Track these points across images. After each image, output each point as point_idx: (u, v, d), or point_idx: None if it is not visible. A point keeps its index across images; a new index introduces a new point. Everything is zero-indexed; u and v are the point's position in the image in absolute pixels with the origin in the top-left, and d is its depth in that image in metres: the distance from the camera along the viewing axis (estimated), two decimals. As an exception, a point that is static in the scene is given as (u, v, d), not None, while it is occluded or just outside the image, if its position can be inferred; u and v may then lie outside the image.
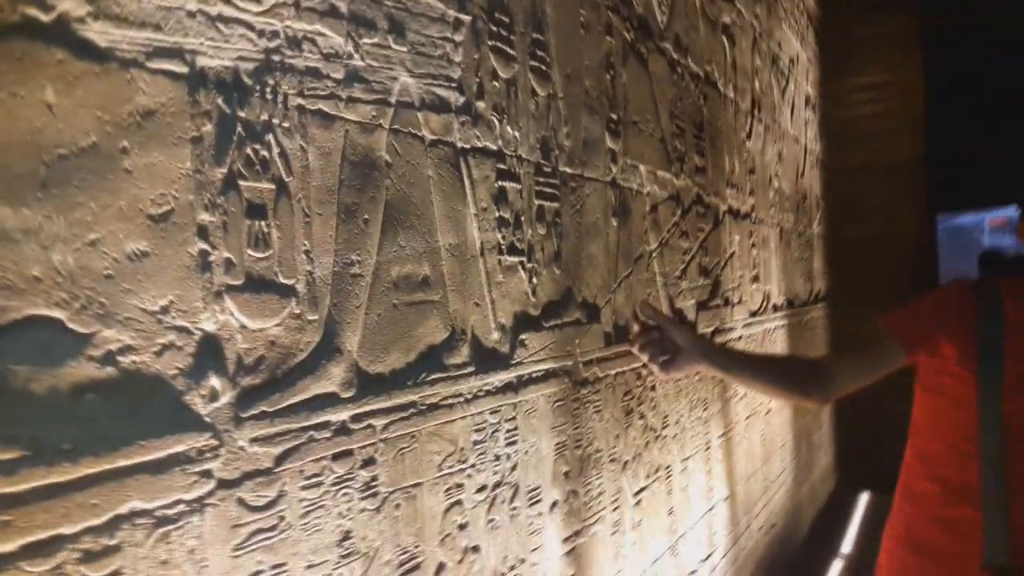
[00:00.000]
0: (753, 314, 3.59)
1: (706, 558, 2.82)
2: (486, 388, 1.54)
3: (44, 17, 0.81)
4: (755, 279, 3.64)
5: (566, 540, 1.83)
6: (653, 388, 2.42)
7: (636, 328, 1.72)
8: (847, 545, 4.52)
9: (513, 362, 1.64)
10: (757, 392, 1.77)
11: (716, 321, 3.04)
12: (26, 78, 0.79)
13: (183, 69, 0.96)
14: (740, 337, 3.37)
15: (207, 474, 0.96)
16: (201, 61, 0.98)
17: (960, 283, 1.78)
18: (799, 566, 4.15)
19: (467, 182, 1.51)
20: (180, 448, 0.93)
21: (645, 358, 1.69)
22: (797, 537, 4.37)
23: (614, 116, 2.19)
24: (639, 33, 2.39)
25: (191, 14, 0.96)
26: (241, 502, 1.00)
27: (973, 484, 1.66)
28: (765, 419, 3.79)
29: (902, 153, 5.76)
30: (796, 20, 4.88)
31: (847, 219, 5.76)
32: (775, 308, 4.03)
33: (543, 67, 1.81)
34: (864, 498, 5.29)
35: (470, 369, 1.49)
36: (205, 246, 0.98)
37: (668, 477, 2.50)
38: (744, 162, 3.54)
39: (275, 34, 1.09)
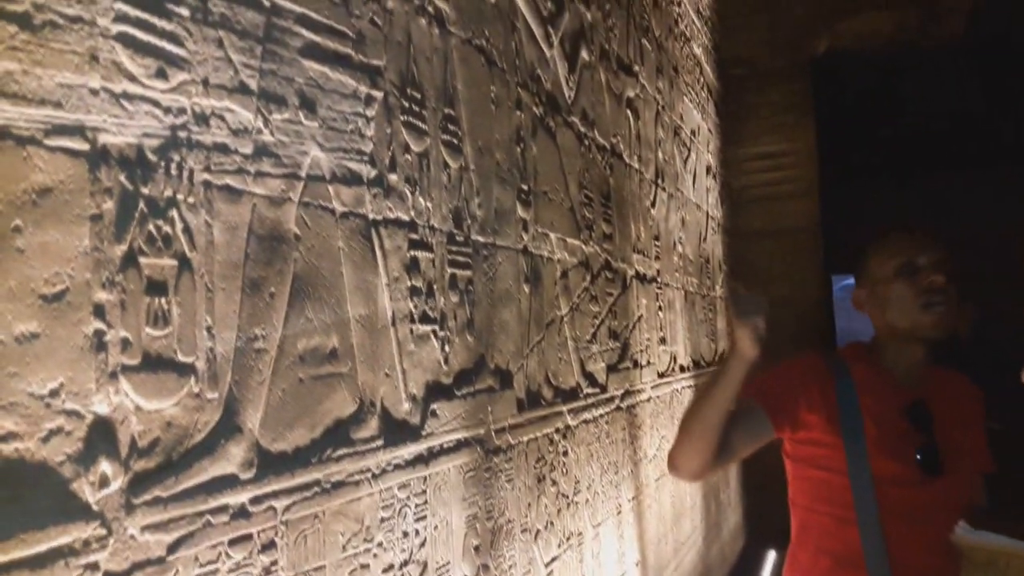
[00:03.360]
0: (661, 375, 3.68)
1: (618, 624, 2.81)
2: (395, 462, 1.52)
3: (-66, 94, 0.79)
4: (662, 341, 3.74)
5: (476, 614, 1.80)
6: (565, 453, 2.44)
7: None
8: (756, 603, 4.58)
9: (424, 433, 1.63)
10: (695, 425, 1.70)
11: (626, 383, 3.10)
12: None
13: (84, 146, 0.94)
14: (649, 399, 3.44)
15: (93, 567, 0.91)
16: (103, 138, 0.96)
17: (809, 353, 1.88)
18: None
19: (379, 252, 1.52)
20: (64, 540, 0.88)
21: (748, 327, 1.57)
22: (708, 597, 4.41)
23: (524, 187, 2.25)
24: (547, 108, 2.47)
25: (94, 92, 0.95)
26: (130, 595, 0.95)
27: (858, 551, 1.70)
28: (675, 480, 3.86)
29: (798, 217, 6.11)
30: (697, 93, 5.15)
31: (748, 281, 6.01)
32: (682, 369, 4.14)
33: (455, 140, 1.85)
34: (771, 556, 5.41)
35: (378, 443, 1.47)
36: (101, 325, 0.95)
37: (580, 544, 2.50)
38: (649, 228, 3.67)
39: (182, 110, 1.08)
